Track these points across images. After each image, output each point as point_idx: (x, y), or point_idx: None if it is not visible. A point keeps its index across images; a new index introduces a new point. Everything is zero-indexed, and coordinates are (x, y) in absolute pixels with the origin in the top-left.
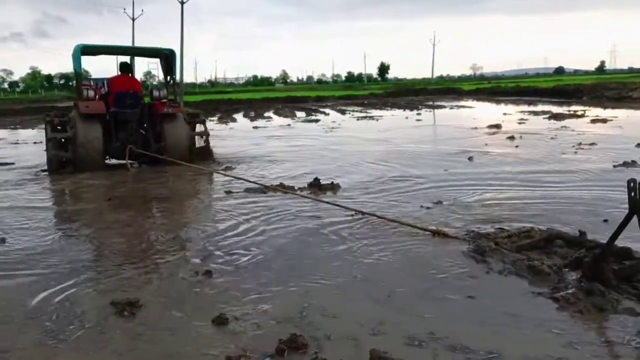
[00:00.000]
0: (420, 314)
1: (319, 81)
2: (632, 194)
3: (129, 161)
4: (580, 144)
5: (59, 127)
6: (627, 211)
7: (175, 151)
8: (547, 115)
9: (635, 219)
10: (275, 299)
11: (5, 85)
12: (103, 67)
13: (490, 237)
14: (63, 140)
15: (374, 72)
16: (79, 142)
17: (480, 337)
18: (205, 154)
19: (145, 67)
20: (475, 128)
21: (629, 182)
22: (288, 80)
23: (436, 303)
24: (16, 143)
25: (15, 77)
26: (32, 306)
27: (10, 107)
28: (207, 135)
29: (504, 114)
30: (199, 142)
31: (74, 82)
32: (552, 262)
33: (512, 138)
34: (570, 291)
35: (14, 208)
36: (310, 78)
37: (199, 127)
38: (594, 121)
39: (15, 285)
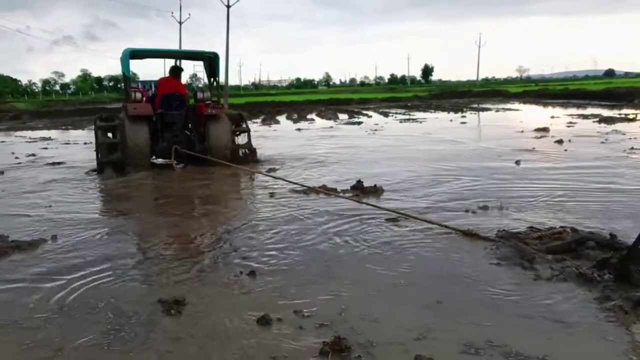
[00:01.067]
0: (472, 321)
1: (362, 83)
2: None
3: (175, 161)
4: (632, 148)
5: (108, 131)
6: None
7: (218, 151)
8: (596, 119)
9: None
10: (316, 301)
11: (57, 87)
12: (151, 70)
13: (520, 237)
14: (112, 144)
15: (417, 74)
16: (127, 143)
17: (534, 344)
18: (248, 155)
19: (192, 70)
20: (522, 131)
21: None
22: (331, 83)
23: (486, 309)
24: (67, 143)
25: (67, 79)
26: (81, 303)
27: (61, 108)
28: (249, 133)
29: (552, 117)
30: (240, 141)
31: (123, 84)
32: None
33: (560, 142)
34: (618, 301)
35: (65, 206)
36: (353, 80)
37: (242, 128)
38: None
39: (65, 283)
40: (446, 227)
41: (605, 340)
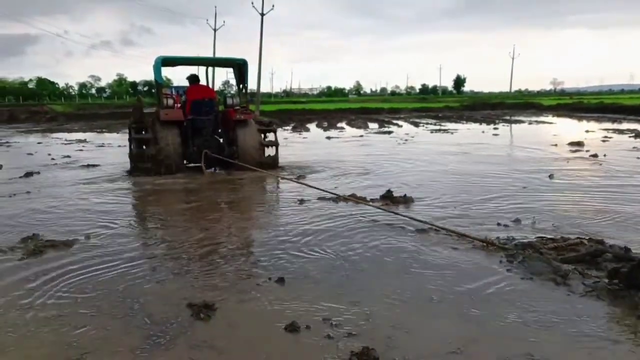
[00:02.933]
0: (509, 335)
1: (393, 93)
2: None
3: (204, 165)
4: None
5: (141, 137)
6: None
7: (247, 155)
8: (632, 134)
9: None
10: (345, 310)
11: (93, 91)
12: (185, 75)
13: (535, 248)
14: (145, 150)
15: (449, 84)
16: (159, 147)
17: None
18: (273, 163)
19: (224, 77)
20: (556, 145)
21: None
22: (361, 92)
23: (523, 325)
24: (101, 145)
25: (103, 83)
26: (111, 303)
27: (97, 111)
28: (277, 145)
29: (586, 131)
30: (268, 151)
31: (155, 90)
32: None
33: (595, 156)
34: None
35: (98, 207)
36: (383, 90)
37: (270, 136)
38: None
39: (97, 283)
40: (466, 236)
41: None
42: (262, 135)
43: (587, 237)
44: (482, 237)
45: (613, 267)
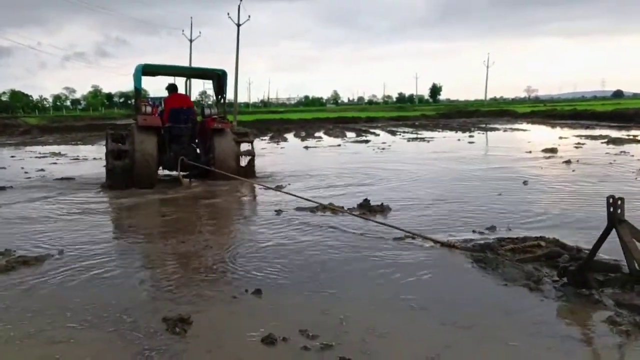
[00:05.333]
0: (489, 340)
1: (370, 102)
2: (611, 209)
3: (181, 173)
4: None
5: (119, 141)
6: None
7: (223, 164)
8: (605, 140)
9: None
10: (322, 320)
11: (68, 103)
12: (161, 88)
13: (494, 249)
14: (121, 151)
15: (425, 93)
16: (136, 152)
17: None
18: (249, 173)
19: (201, 87)
20: (530, 152)
21: (608, 198)
22: (339, 101)
23: (500, 328)
24: (77, 159)
25: (78, 95)
26: (89, 319)
27: (72, 123)
28: (253, 155)
29: (560, 137)
30: (244, 161)
31: (134, 99)
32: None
33: (568, 162)
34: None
35: (72, 221)
36: (361, 99)
37: (246, 146)
38: None
39: (68, 299)
40: (429, 239)
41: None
42: (239, 146)
43: (549, 239)
44: (453, 241)
45: (562, 265)
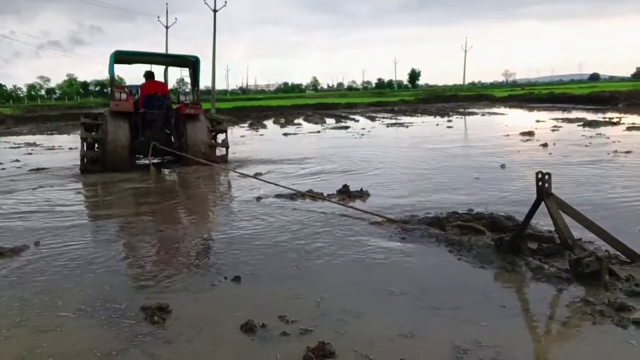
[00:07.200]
0: (463, 320)
1: (349, 88)
2: (540, 183)
3: (152, 158)
4: (615, 151)
5: (92, 128)
6: None
7: (195, 149)
8: (581, 123)
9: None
10: (301, 306)
11: (43, 92)
12: (138, 76)
13: (440, 224)
14: (94, 139)
15: (404, 78)
16: (108, 138)
17: (524, 344)
18: (222, 160)
19: (179, 74)
20: (508, 135)
21: (537, 173)
22: (318, 87)
23: (472, 308)
24: (52, 148)
25: (52, 84)
26: (67, 309)
27: (47, 113)
28: (227, 147)
29: (537, 121)
30: (220, 152)
31: (109, 87)
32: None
33: (545, 145)
34: (599, 306)
35: (48, 212)
36: (340, 85)
37: (220, 137)
38: (630, 128)
39: (46, 290)
40: (383, 217)
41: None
42: (213, 136)
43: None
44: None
45: (498, 236)
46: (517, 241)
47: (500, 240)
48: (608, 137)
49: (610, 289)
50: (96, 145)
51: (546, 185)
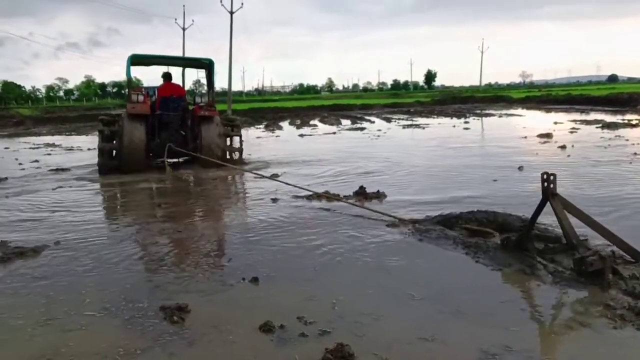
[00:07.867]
0: (489, 324)
1: (365, 89)
2: (545, 184)
3: (168, 160)
4: (635, 153)
5: (110, 124)
6: None
7: (210, 150)
8: (599, 125)
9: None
10: (319, 307)
11: (61, 93)
12: (156, 77)
13: (448, 225)
14: (112, 139)
15: (420, 80)
16: (124, 139)
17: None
18: (237, 162)
19: (195, 76)
20: (525, 137)
21: (542, 174)
22: (334, 89)
23: (498, 314)
24: (70, 149)
25: (71, 86)
26: (86, 308)
27: (65, 114)
28: (241, 151)
29: (555, 122)
30: (235, 155)
31: (126, 89)
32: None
33: (563, 147)
34: (619, 310)
35: (68, 212)
36: (355, 86)
37: (234, 141)
38: None
39: (65, 289)
40: (394, 217)
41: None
42: (227, 140)
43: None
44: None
45: (505, 236)
46: (524, 241)
47: (506, 240)
48: (627, 139)
49: (614, 288)
50: (114, 152)
51: (551, 185)
